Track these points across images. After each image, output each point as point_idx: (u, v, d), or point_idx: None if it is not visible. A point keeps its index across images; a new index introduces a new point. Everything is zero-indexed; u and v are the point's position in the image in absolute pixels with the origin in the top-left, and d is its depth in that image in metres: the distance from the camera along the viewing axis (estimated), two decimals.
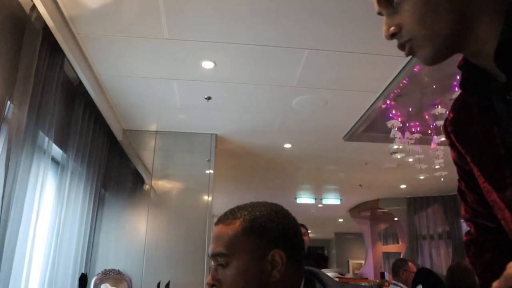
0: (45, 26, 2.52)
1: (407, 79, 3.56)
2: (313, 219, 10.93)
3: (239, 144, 5.30)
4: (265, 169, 6.54)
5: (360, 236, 11.35)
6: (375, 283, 5.85)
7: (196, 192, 4.81)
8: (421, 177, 5.39)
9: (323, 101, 3.97)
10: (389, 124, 4.30)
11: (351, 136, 4.85)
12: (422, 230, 8.25)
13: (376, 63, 3.28)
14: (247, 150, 5.55)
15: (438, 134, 4.25)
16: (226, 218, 1.02)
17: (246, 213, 1.01)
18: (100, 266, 4.26)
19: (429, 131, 4.54)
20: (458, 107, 0.92)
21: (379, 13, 0.84)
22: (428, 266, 7.62)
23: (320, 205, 9.25)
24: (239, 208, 1.04)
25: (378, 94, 3.83)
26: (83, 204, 3.54)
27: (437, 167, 4.78)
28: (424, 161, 4.85)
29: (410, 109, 4.31)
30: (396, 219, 8.99)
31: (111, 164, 4.39)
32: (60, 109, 3.04)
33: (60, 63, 2.85)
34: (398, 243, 9.47)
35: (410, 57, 3.13)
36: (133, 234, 4.58)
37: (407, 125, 4.55)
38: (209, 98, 3.92)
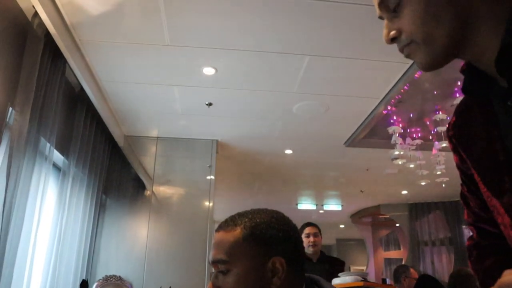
0: (47, 33, 2.54)
1: (408, 85, 3.56)
2: None
3: (240, 150, 5.30)
4: (266, 175, 6.53)
5: (361, 242, 11.30)
6: None
7: (197, 198, 4.81)
8: (423, 183, 5.37)
9: (324, 107, 3.98)
10: (390, 130, 4.30)
11: (352, 142, 4.85)
12: (423, 236, 8.21)
13: (377, 69, 3.28)
14: (248, 156, 5.55)
15: (439, 140, 4.25)
16: (226, 225, 1.02)
17: (246, 220, 1.01)
18: (101, 272, 4.23)
19: (430, 137, 4.54)
20: (460, 111, 0.93)
21: (380, 17, 0.85)
22: (430, 272, 7.58)
23: (321, 211, 9.22)
24: (240, 215, 1.04)
25: (379, 100, 3.83)
26: (84, 210, 3.54)
27: (438, 173, 4.77)
28: (425, 167, 4.85)
29: (411, 115, 4.32)
30: (397, 225, 8.96)
31: (112, 170, 4.39)
32: (62, 115, 3.05)
33: (62, 69, 2.86)
34: (399, 249, 9.43)
35: (411, 63, 3.15)
36: (134, 240, 4.57)
37: (408, 131, 4.55)
38: (210, 104, 3.93)
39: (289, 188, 7.59)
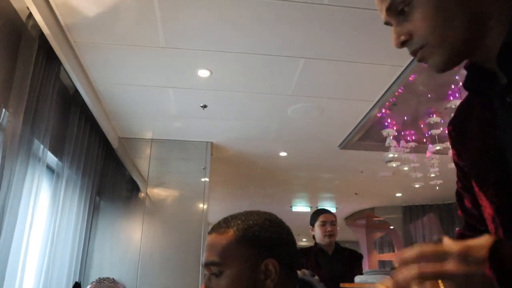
0: (42, 34, 2.53)
1: (402, 88, 3.57)
2: (308, 228, 10.88)
3: (235, 152, 5.30)
4: (260, 177, 6.52)
5: (356, 244, 11.31)
6: None
7: (192, 200, 4.80)
8: (417, 186, 5.40)
9: (319, 110, 3.98)
10: (385, 132, 4.31)
11: (346, 144, 4.86)
12: (417, 239, 8.23)
13: (371, 72, 3.30)
14: (243, 158, 5.55)
15: (433, 142, 4.27)
16: (219, 227, 1.02)
17: (239, 222, 1.01)
18: (95, 274, 4.21)
19: (424, 140, 4.55)
20: (461, 107, 0.94)
21: (386, 23, 0.85)
22: None
23: None
24: (233, 217, 1.04)
25: (373, 103, 3.85)
26: (78, 212, 3.52)
27: (432, 175, 4.79)
28: (419, 170, 4.87)
29: (406, 118, 4.33)
30: (391, 227, 8.99)
31: (106, 172, 4.38)
32: (56, 116, 3.04)
33: (56, 71, 2.85)
34: (394, 251, 9.45)
35: (405, 66, 3.17)
36: (128, 242, 4.55)
37: (403, 133, 4.57)
38: (205, 106, 3.93)
39: (284, 190, 7.59)
